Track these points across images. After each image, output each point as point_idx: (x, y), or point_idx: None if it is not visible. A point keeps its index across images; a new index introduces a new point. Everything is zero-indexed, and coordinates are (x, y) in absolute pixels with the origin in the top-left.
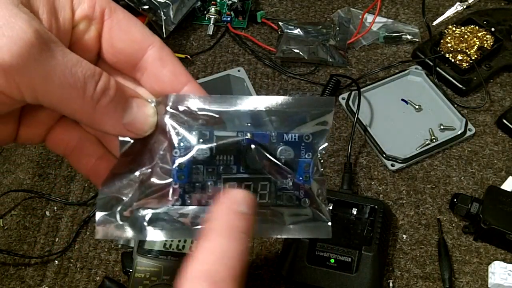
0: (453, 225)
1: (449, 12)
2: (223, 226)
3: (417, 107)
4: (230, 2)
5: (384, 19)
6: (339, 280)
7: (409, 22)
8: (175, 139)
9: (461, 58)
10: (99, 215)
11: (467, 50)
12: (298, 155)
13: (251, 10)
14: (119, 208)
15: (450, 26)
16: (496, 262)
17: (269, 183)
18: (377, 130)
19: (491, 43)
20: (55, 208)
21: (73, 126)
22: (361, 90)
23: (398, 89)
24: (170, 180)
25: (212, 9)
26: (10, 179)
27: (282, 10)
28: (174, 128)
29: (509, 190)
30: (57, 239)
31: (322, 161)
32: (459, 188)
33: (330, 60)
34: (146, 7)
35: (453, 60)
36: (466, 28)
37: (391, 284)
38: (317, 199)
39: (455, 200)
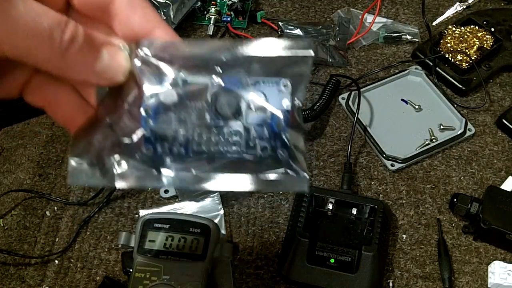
0: (453, 225)
1: (449, 12)
2: None
3: (416, 107)
4: (230, 2)
5: (384, 19)
6: (339, 280)
7: (409, 22)
8: (145, 85)
9: (461, 58)
10: (71, 161)
11: (466, 50)
12: (274, 102)
13: (251, 10)
14: (90, 155)
15: (450, 26)
16: (496, 262)
17: (241, 131)
18: (377, 130)
19: (491, 43)
20: (55, 208)
21: (49, 78)
22: (361, 90)
23: (398, 89)
24: (140, 127)
25: (212, 9)
26: (11, 179)
27: (282, 10)
28: (145, 74)
29: (508, 190)
30: (57, 239)
31: (300, 109)
32: (458, 188)
33: (330, 60)
34: None
35: (452, 60)
36: (466, 28)
37: (391, 284)
38: (293, 150)
39: (454, 200)
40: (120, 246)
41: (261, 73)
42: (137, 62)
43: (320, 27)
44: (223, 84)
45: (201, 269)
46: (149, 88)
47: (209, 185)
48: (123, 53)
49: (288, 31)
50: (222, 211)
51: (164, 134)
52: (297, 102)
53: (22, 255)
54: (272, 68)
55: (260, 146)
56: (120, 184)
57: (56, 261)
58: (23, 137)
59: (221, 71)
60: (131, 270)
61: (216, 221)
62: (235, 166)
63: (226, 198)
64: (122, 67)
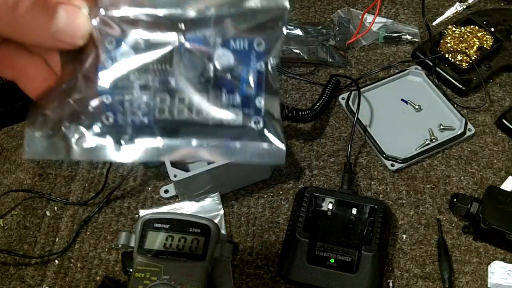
0: (453, 225)
1: (449, 12)
2: None
3: (416, 107)
4: None
5: (384, 19)
6: (339, 280)
7: (409, 22)
8: (104, 48)
9: (461, 58)
10: (27, 133)
11: (466, 50)
12: (247, 64)
13: None
14: (47, 126)
15: (449, 26)
16: (496, 262)
17: (208, 95)
18: (377, 130)
19: (491, 43)
20: (56, 208)
21: (16, 48)
22: (361, 90)
23: (398, 89)
24: (98, 93)
25: None
26: (11, 179)
27: None
28: (104, 36)
29: (508, 190)
30: (57, 239)
31: (275, 70)
32: (458, 188)
33: (330, 60)
34: None
35: (452, 60)
36: (465, 28)
37: (391, 284)
38: (267, 117)
39: (454, 200)
40: (120, 246)
41: (231, 32)
42: (96, 23)
43: (320, 27)
44: (188, 45)
45: (201, 269)
46: (108, 51)
47: (174, 157)
48: (82, 13)
49: (288, 31)
50: (222, 211)
51: (125, 101)
52: (272, 63)
53: (22, 255)
54: (244, 25)
55: (230, 113)
56: (78, 157)
57: (56, 261)
58: (23, 137)
59: (185, 30)
60: (131, 270)
61: (216, 221)
62: (203, 135)
63: (226, 198)
64: (81, 29)
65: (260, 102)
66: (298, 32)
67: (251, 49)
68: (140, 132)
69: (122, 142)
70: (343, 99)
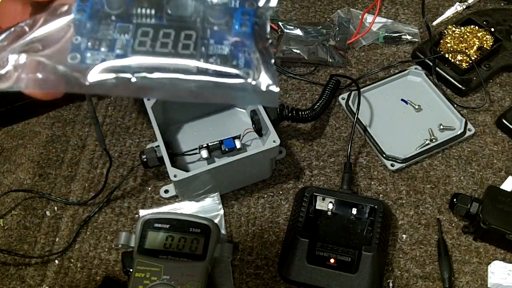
0: (453, 225)
1: (449, 12)
2: None
3: (416, 107)
4: None
5: (384, 19)
6: (339, 280)
7: (409, 22)
8: None
9: (461, 58)
10: None
11: (466, 50)
12: (240, 2)
13: None
14: (3, 54)
15: (449, 26)
16: (496, 262)
17: (195, 34)
18: (377, 130)
19: (491, 43)
20: (56, 208)
21: None
22: (361, 90)
23: (398, 89)
24: (71, 30)
25: None
26: (11, 179)
27: (282, 10)
28: None
29: (508, 190)
30: (57, 239)
31: (271, 9)
32: (458, 188)
33: (330, 60)
34: None
35: (452, 60)
36: (465, 28)
37: (391, 284)
38: (259, 55)
39: (454, 200)
40: (120, 246)
41: None
42: None
43: (320, 27)
44: None
45: (201, 269)
46: None
47: (151, 93)
48: None
49: (288, 31)
50: (222, 211)
51: (100, 43)
52: (266, 4)
53: (22, 255)
54: None
55: (220, 50)
56: (31, 87)
57: (56, 261)
58: (23, 137)
59: None
60: (131, 270)
61: (216, 221)
62: (186, 72)
63: (226, 198)
64: None
65: (253, 39)
66: (298, 32)
67: None
68: (113, 64)
69: (88, 75)
70: (343, 99)
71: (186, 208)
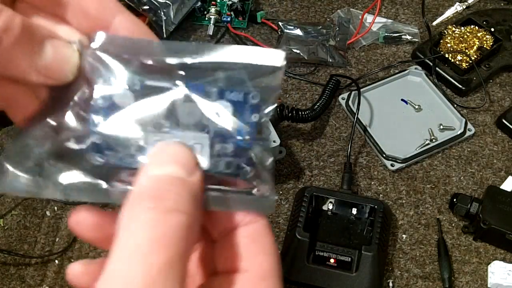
0: (453, 225)
1: (449, 13)
2: (145, 201)
3: (416, 107)
4: (230, 2)
5: (384, 19)
6: (339, 280)
7: (409, 22)
8: (97, 85)
9: (461, 58)
10: (5, 166)
11: (466, 50)
12: (241, 115)
13: (251, 10)
14: (29, 160)
15: (449, 26)
16: (496, 262)
17: (202, 144)
18: (376, 130)
19: (491, 43)
20: (56, 208)
21: (5, 79)
22: (361, 90)
23: (398, 89)
24: (88, 131)
25: (212, 9)
26: None
27: (282, 10)
28: (97, 73)
29: (508, 190)
30: (57, 239)
31: (268, 124)
32: (458, 188)
33: (330, 60)
34: (146, 7)
35: (452, 60)
36: (465, 28)
37: (391, 284)
38: (260, 168)
39: (454, 200)
40: None
41: (227, 82)
42: (90, 59)
43: (320, 27)
44: (186, 91)
45: None
46: (101, 89)
47: None
48: (70, 48)
49: (288, 31)
50: None
51: (116, 142)
52: (265, 116)
53: (22, 255)
54: (240, 77)
55: (225, 162)
56: (61, 196)
57: (56, 261)
58: None
59: (185, 76)
60: None
61: None
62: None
63: None
64: (69, 64)
65: (252, 152)
66: (298, 32)
67: (246, 101)
68: (130, 174)
69: (112, 184)
70: (343, 99)
71: None
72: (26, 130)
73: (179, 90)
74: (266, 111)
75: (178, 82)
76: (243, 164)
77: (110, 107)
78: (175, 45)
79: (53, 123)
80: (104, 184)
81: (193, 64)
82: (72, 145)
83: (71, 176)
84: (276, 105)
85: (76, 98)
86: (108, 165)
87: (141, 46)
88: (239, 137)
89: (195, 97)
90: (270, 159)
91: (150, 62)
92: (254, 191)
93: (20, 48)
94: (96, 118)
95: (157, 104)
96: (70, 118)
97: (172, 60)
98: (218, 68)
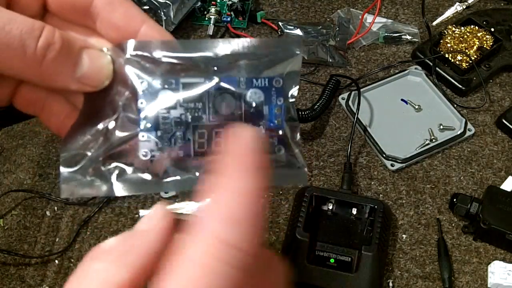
0: (453, 225)
1: (449, 13)
2: (238, 160)
3: (416, 107)
4: (230, 2)
5: (384, 19)
6: (339, 280)
7: (409, 22)
8: (138, 87)
9: (461, 58)
10: (63, 172)
11: (466, 50)
12: (269, 100)
13: (251, 11)
14: (84, 164)
15: (449, 26)
16: (496, 262)
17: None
18: (377, 130)
19: (491, 43)
20: (56, 208)
21: (41, 87)
22: (361, 90)
23: (398, 89)
24: (137, 131)
25: (212, 9)
26: (11, 179)
27: (282, 10)
28: (137, 76)
29: (508, 190)
30: (57, 239)
31: (294, 104)
32: (458, 188)
33: (330, 60)
34: (146, 7)
35: (452, 60)
36: (465, 28)
37: (391, 284)
38: (291, 144)
39: (454, 200)
40: None
41: (253, 72)
42: (126, 64)
43: (320, 27)
44: (221, 84)
45: None
46: (143, 91)
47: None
48: (104, 56)
49: (288, 31)
50: None
51: (162, 138)
52: (290, 97)
53: (22, 255)
54: (265, 66)
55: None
56: (119, 193)
57: (56, 261)
58: (23, 137)
59: (217, 71)
60: None
61: None
62: None
63: None
64: (104, 71)
65: (283, 131)
66: (298, 32)
67: (271, 86)
68: (178, 165)
69: (162, 175)
70: (343, 99)
71: (186, 208)
72: (74, 137)
73: (214, 84)
74: (291, 92)
75: (211, 76)
76: (276, 142)
77: (153, 106)
78: (200, 42)
79: (100, 126)
80: (155, 177)
81: (220, 58)
82: (123, 145)
83: (125, 173)
84: (298, 86)
85: (120, 102)
86: (157, 159)
87: (168, 48)
88: (271, 120)
89: (229, 88)
90: (298, 136)
91: (180, 61)
92: (287, 165)
93: (61, 61)
94: (143, 118)
95: (195, 99)
96: (118, 121)
97: (200, 57)
98: (244, 59)
